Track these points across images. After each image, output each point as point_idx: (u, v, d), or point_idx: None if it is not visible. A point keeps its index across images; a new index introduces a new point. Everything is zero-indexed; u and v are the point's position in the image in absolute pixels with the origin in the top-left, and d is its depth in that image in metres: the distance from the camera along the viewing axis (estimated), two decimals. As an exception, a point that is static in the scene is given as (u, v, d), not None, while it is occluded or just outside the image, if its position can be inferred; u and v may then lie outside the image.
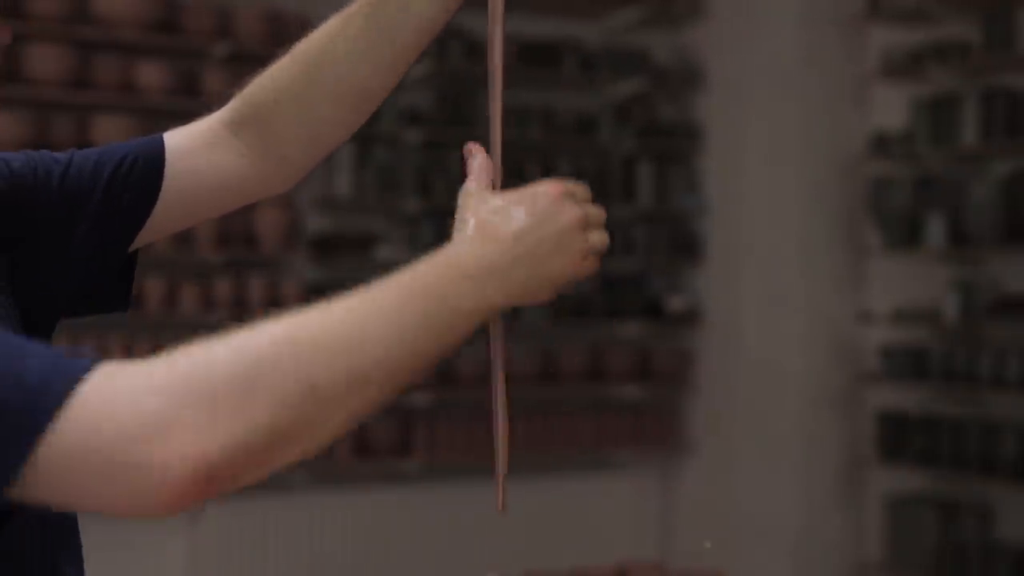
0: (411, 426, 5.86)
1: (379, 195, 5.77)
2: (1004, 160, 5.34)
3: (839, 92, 5.87)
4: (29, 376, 0.82)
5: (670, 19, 6.43)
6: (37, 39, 5.30)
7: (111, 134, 5.25)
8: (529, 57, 6.06)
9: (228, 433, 0.82)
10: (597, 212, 1.09)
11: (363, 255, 5.76)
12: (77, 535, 1.22)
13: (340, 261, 5.78)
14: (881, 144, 5.60)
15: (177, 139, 1.36)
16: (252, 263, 5.79)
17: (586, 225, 1.07)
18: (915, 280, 5.74)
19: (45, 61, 5.16)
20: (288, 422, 0.85)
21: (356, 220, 5.95)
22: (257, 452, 0.84)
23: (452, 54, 5.91)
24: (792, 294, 5.82)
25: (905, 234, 5.44)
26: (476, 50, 5.96)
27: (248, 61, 5.67)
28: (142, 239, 1.36)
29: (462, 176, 5.94)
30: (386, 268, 6.01)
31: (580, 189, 1.11)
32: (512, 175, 6.03)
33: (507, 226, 1.05)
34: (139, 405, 0.81)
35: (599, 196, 6.22)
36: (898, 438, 5.48)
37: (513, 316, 6.03)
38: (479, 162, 1.14)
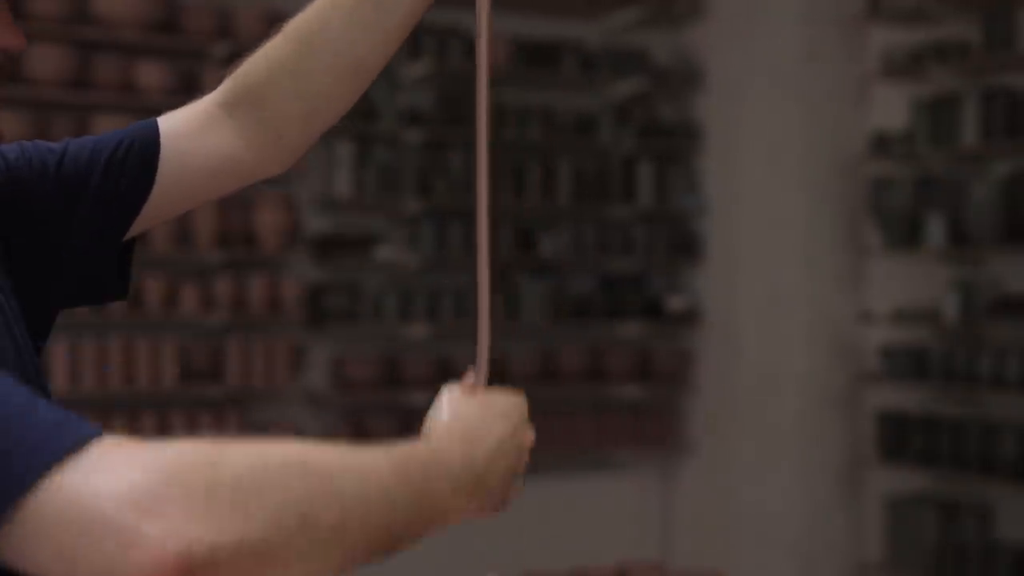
0: (411, 426, 5.86)
1: (379, 195, 5.77)
2: (1004, 160, 5.34)
3: (839, 92, 5.87)
4: (34, 429, 0.81)
5: (670, 19, 6.43)
6: (37, 39, 5.30)
7: (111, 134, 5.25)
8: (529, 57, 6.06)
9: (221, 531, 0.80)
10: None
11: (363, 255, 5.76)
12: None
13: (340, 261, 5.78)
14: (881, 144, 5.60)
15: (172, 122, 1.35)
16: (252, 263, 5.79)
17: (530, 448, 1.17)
18: (915, 280, 5.74)
19: (45, 61, 5.16)
20: (277, 542, 0.84)
21: (356, 220, 5.95)
22: (242, 560, 0.82)
23: (452, 54, 5.91)
24: (792, 294, 5.82)
25: (905, 234, 5.44)
26: (476, 50, 5.96)
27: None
28: (140, 225, 1.35)
29: (464, 176, 5.94)
30: (386, 268, 6.01)
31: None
32: (512, 175, 6.03)
33: (490, 436, 1.11)
34: (142, 476, 0.80)
35: (599, 196, 6.22)
36: (898, 438, 5.48)
37: (513, 316, 6.03)
38: (470, 377, 1.20)
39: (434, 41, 5.87)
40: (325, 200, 5.71)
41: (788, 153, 5.86)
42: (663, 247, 6.35)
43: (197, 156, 1.35)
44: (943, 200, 5.32)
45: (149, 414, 5.34)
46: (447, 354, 6.03)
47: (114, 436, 0.83)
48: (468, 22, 6.24)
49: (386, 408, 5.98)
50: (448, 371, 5.95)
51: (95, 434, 0.82)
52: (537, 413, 6.10)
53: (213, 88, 5.45)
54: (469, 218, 6.01)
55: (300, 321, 5.67)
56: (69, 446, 0.80)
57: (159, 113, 5.52)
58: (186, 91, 5.47)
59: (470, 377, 1.20)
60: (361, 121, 5.77)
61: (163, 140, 1.34)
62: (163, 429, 5.37)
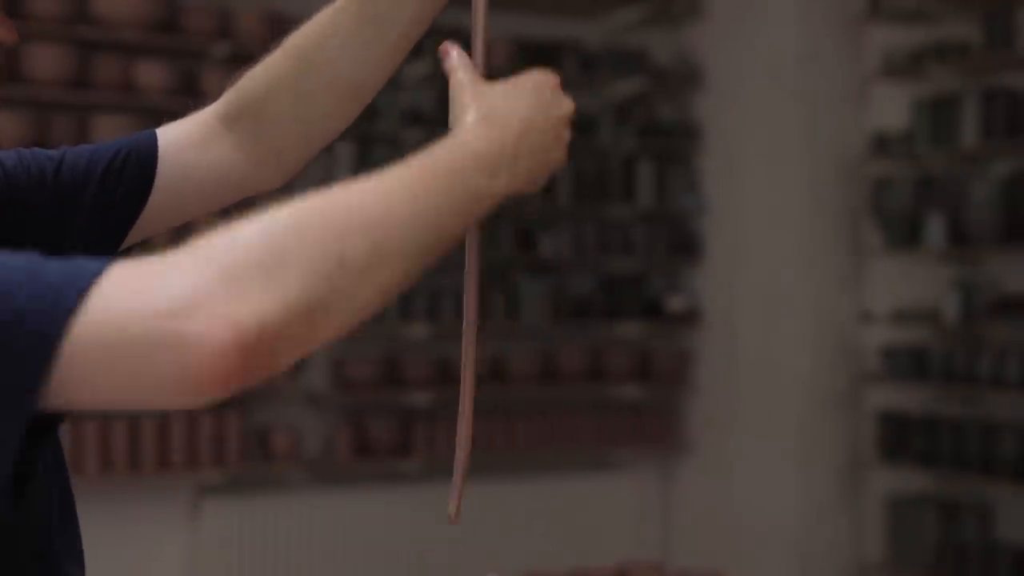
0: (411, 426, 5.86)
1: (379, 195, 5.77)
2: (1004, 160, 5.34)
3: (839, 92, 5.87)
4: (49, 276, 0.81)
5: (670, 19, 6.43)
6: (37, 39, 5.30)
7: (111, 134, 5.25)
8: (529, 57, 6.06)
9: (260, 303, 0.80)
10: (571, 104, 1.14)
11: (363, 255, 5.76)
12: (79, 539, 1.22)
13: (340, 261, 5.77)
14: (881, 144, 5.60)
15: (170, 133, 1.35)
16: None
17: (570, 118, 1.14)
18: (915, 280, 5.74)
19: (45, 61, 5.16)
20: (319, 293, 0.84)
21: (356, 220, 5.95)
22: (291, 323, 0.82)
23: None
24: (792, 294, 5.82)
25: (905, 234, 5.44)
26: (476, 50, 5.96)
27: (248, 61, 5.67)
28: (136, 235, 1.35)
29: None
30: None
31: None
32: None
33: (515, 114, 1.08)
34: (166, 283, 0.80)
35: (599, 196, 6.22)
36: (898, 438, 5.48)
37: (513, 316, 6.03)
38: (458, 56, 1.16)
39: (434, 41, 5.87)
40: (325, 200, 5.71)
41: (788, 153, 5.86)
42: (663, 247, 6.35)
43: (196, 168, 1.35)
44: (943, 200, 5.32)
45: (149, 414, 5.34)
46: (447, 354, 6.03)
47: (122, 264, 0.84)
48: (468, 22, 6.24)
49: (386, 408, 5.98)
50: (448, 371, 5.95)
51: (105, 265, 0.82)
52: (537, 413, 6.10)
53: (213, 88, 5.45)
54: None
55: (300, 321, 5.67)
56: (89, 278, 0.81)
57: (159, 113, 5.52)
58: (186, 91, 5.47)
59: (462, 58, 1.16)
60: (361, 121, 5.77)
61: (161, 151, 1.34)
62: (163, 429, 5.37)
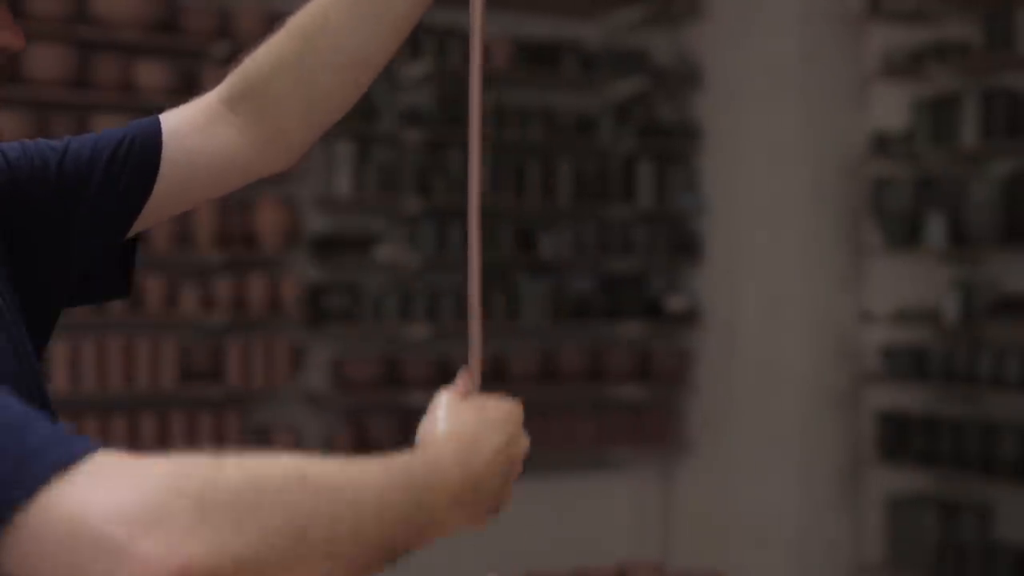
0: (411, 426, 5.85)
1: (379, 195, 5.77)
2: (1004, 160, 5.34)
3: (839, 92, 5.87)
4: (29, 441, 0.79)
5: (670, 19, 6.43)
6: (37, 39, 5.30)
7: (111, 134, 5.25)
8: (529, 57, 6.06)
9: (217, 544, 0.78)
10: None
11: (363, 255, 5.76)
12: None
13: (340, 261, 5.78)
14: (881, 144, 5.60)
15: (174, 119, 1.34)
16: (252, 263, 5.79)
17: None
18: (915, 280, 5.74)
19: (45, 61, 5.16)
20: (273, 557, 0.82)
21: (356, 220, 5.95)
22: (236, 574, 0.80)
23: (452, 54, 5.91)
24: (792, 294, 5.82)
25: (905, 234, 5.44)
26: (476, 50, 5.96)
27: (248, 61, 5.66)
28: (143, 223, 1.34)
29: (464, 176, 5.94)
30: (386, 268, 6.01)
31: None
32: (512, 175, 6.03)
33: (488, 444, 1.09)
34: (136, 492, 0.77)
35: (599, 196, 6.22)
36: (898, 438, 5.48)
37: (513, 316, 6.03)
38: (463, 381, 1.17)
39: (434, 41, 5.87)
40: (325, 200, 5.71)
41: (788, 153, 5.86)
42: (663, 247, 6.35)
43: (200, 153, 1.34)
44: (943, 200, 5.32)
45: (149, 414, 5.34)
46: (447, 354, 6.03)
47: (110, 451, 0.81)
48: (468, 22, 6.24)
49: (386, 408, 5.98)
50: (448, 371, 5.94)
51: (90, 448, 0.80)
52: (537, 413, 6.10)
53: (213, 88, 5.45)
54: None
55: (300, 321, 5.67)
56: (63, 460, 0.78)
57: (159, 112, 5.51)
58: (186, 91, 5.47)
59: (463, 380, 1.18)
60: (361, 121, 5.77)
61: (165, 137, 1.33)
62: (163, 429, 5.37)
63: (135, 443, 5.31)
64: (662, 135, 6.35)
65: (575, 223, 6.29)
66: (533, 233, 6.11)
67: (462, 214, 6.14)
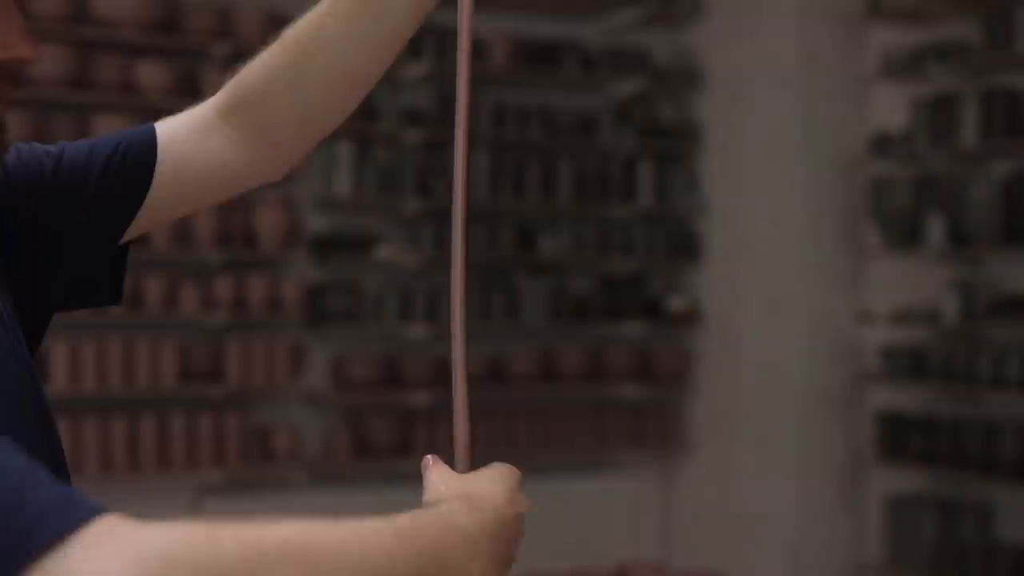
0: (411, 426, 5.85)
1: (379, 195, 5.77)
2: (1004, 160, 5.34)
3: (839, 92, 5.87)
4: (29, 508, 0.78)
5: (670, 19, 6.43)
6: (37, 39, 5.30)
7: (111, 134, 5.25)
8: (529, 57, 6.06)
9: None
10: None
11: (363, 255, 5.76)
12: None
13: (340, 261, 5.78)
14: (881, 144, 5.60)
15: (169, 128, 1.35)
16: (252, 263, 5.79)
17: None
18: (915, 280, 5.74)
19: (45, 61, 5.17)
20: None
21: (356, 220, 5.95)
22: None
23: (452, 54, 5.90)
24: (792, 294, 5.82)
25: (905, 234, 5.44)
26: (476, 50, 5.96)
27: (248, 61, 5.67)
28: (135, 230, 1.34)
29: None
30: (386, 268, 6.01)
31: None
32: (512, 175, 6.03)
33: (495, 498, 1.07)
34: (136, 564, 0.77)
35: (599, 196, 6.22)
36: (898, 438, 5.48)
37: (513, 316, 6.03)
38: (434, 462, 1.15)
39: (434, 41, 5.87)
40: (325, 200, 5.71)
41: (788, 153, 5.86)
42: (663, 247, 6.35)
43: (194, 162, 1.34)
44: (943, 200, 5.32)
45: (149, 414, 5.34)
46: (447, 354, 6.03)
47: (110, 515, 0.80)
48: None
49: (386, 408, 5.98)
50: (448, 371, 5.95)
51: (92, 514, 0.79)
52: (537, 413, 6.10)
53: (213, 88, 5.45)
54: (469, 218, 6.01)
55: (300, 321, 5.67)
56: (62, 529, 0.77)
57: (159, 113, 5.52)
58: (186, 91, 5.47)
59: (434, 462, 1.15)
60: (361, 121, 5.77)
61: (160, 146, 1.33)
62: (163, 429, 5.37)
63: (135, 443, 5.32)
64: (662, 135, 6.35)
65: (575, 223, 6.29)
66: (533, 233, 6.11)
67: (462, 214, 6.14)
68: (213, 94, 5.57)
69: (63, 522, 0.77)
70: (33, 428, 1.13)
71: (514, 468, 1.14)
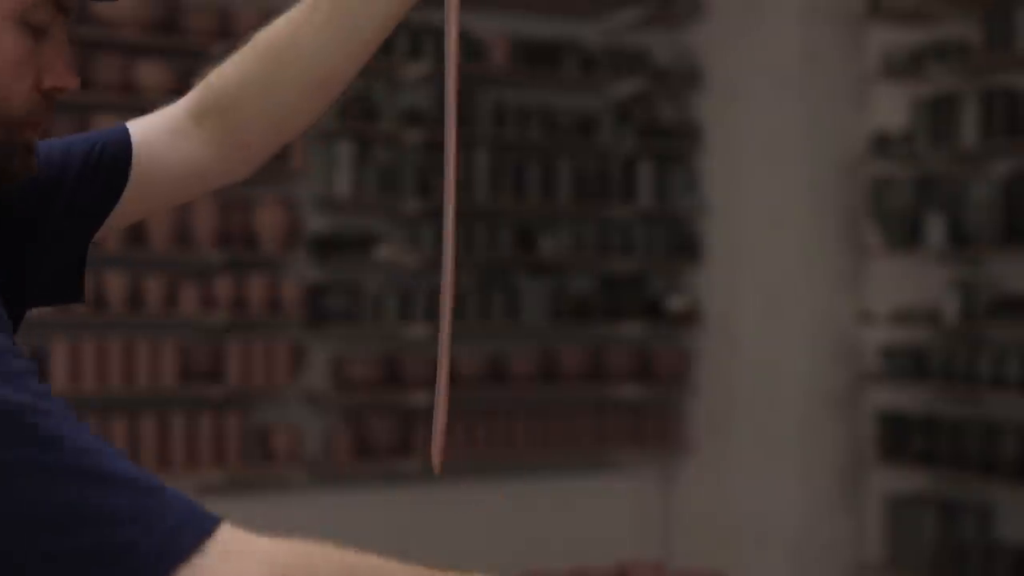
0: (411, 426, 5.86)
1: (379, 195, 5.77)
2: (1004, 160, 5.34)
3: (839, 92, 5.87)
4: (171, 513, 0.86)
5: (670, 19, 6.43)
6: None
7: (111, 134, 5.25)
8: (529, 57, 6.06)
9: None
10: None
11: (363, 255, 5.76)
12: None
13: (340, 261, 5.78)
14: (881, 144, 5.60)
15: (141, 128, 1.36)
16: (252, 263, 5.79)
17: None
18: (915, 280, 5.74)
19: (45, 61, 5.16)
20: None
21: (356, 220, 5.95)
22: None
23: (452, 54, 5.91)
24: (792, 294, 5.82)
25: (905, 234, 5.44)
26: (476, 50, 5.96)
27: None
28: (104, 229, 1.36)
29: (464, 176, 5.94)
30: (386, 268, 6.01)
31: None
32: (512, 175, 6.03)
33: None
34: (262, 568, 0.88)
35: (599, 196, 6.22)
36: (898, 438, 5.48)
37: (513, 316, 6.03)
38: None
39: (434, 41, 5.87)
40: (325, 200, 5.71)
41: (788, 153, 5.86)
42: (663, 247, 6.35)
43: (165, 163, 1.36)
44: (943, 200, 5.32)
45: (149, 414, 5.34)
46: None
47: (228, 525, 0.89)
48: (468, 22, 6.24)
49: (386, 408, 5.98)
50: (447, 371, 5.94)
51: (216, 522, 0.88)
52: (537, 413, 6.10)
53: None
54: (469, 218, 6.02)
55: (300, 321, 5.67)
56: (201, 535, 0.86)
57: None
58: (186, 91, 5.47)
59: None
60: (361, 121, 5.77)
61: (134, 146, 1.35)
62: (163, 429, 5.37)
63: (135, 443, 5.32)
64: (662, 135, 6.35)
65: (575, 223, 6.29)
66: (533, 233, 6.11)
67: (462, 214, 6.14)
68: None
69: (200, 529, 0.86)
70: None
71: None
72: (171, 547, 0.85)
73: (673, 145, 6.36)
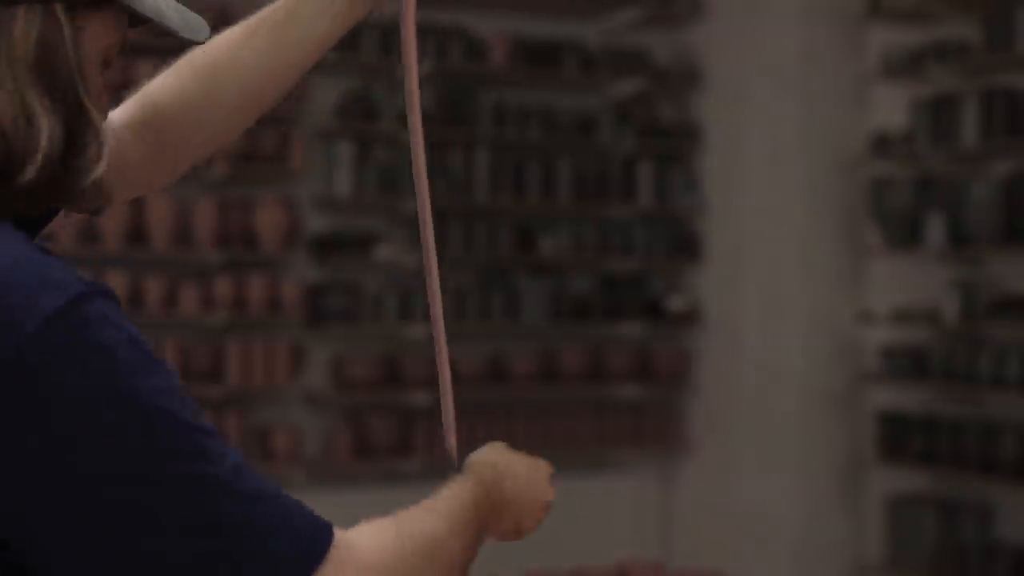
0: (411, 426, 5.86)
1: (379, 195, 5.77)
2: (1004, 160, 5.34)
3: (839, 92, 5.87)
4: (304, 523, 0.96)
5: (670, 19, 6.43)
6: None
7: (111, 134, 5.25)
8: (529, 57, 6.06)
9: None
10: None
11: (363, 255, 5.76)
12: None
13: (340, 261, 5.78)
14: (881, 144, 5.60)
15: None
16: (252, 263, 5.79)
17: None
18: (915, 280, 5.74)
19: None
20: None
21: (356, 220, 5.95)
22: None
23: (452, 54, 5.91)
24: (792, 294, 5.82)
25: (905, 234, 5.44)
26: (476, 50, 5.96)
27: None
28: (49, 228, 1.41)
29: (464, 176, 5.94)
30: (386, 268, 6.01)
31: None
32: (512, 175, 6.03)
33: (531, 488, 1.36)
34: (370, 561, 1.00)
35: (599, 196, 6.22)
36: (898, 438, 5.48)
37: (513, 316, 6.03)
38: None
39: (434, 41, 5.87)
40: (325, 200, 5.71)
41: (788, 153, 5.86)
42: (663, 247, 6.35)
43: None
44: (943, 200, 5.32)
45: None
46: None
47: (339, 532, 1.00)
48: (468, 22, 6.24)
49: (386, 408, 5.98)
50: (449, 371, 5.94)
51: (332, 531, 0.98)
52: (537, 413, 6.10)
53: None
54: (469, 218, 6.01)
55: (300, 321, 5.67)
56: (327, 544, 0.97)
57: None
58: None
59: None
60: (361, 121, 5.77)
61: None
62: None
63: (135, 443, 5.31)
64: (662, 135, 6.35)
65: (575, 223, 6.29)
66: (533, 233, 6.11)
67: (462, 214, 6.14)
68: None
69: (326, 538, 0.97)
70: None
71: (547, 464, 1.42)
72: (308, 556, 0.95)
73: (673, 145, 6.36)
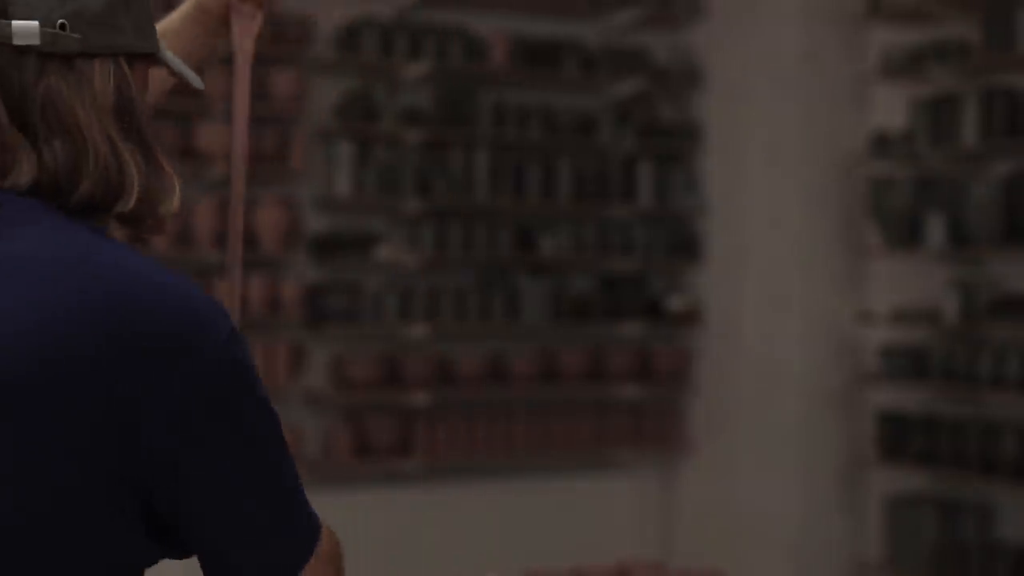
0: (411, 426, 5.86)
1: (379, 195, 5.77)
2: (1004, 160, 5.35)
3: (839, 92, 5.87)
4: (298, 527, 1.14)
5: (670, 19, 6.43)
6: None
7: (111, 134, 5.25)
8: (529, 57, 6.06)
9: None
10: None
11: (363, 255, 5.76)
12: None
13: (340, 261, 5.78)
14: (881, 144, 5.60)
15: None
16: (252, 263, 5.79)
17: None
18: (915, 280, 5.74)
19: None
20: None
21: (356, 220, 5.95)
22: None
23: (452, 54, 5.91)
24: (792, 294, 5.82)
25: (905, 234, 5.44)
26: (476, 50, 5.96)
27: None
28: None
29: (464, 176, 5.94)
30: (386, 268, 6.01)
31: None
32: (512, 175, 6.02)
33: None
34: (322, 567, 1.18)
35: (599, 196, 6.22)
36: (898, 438, 5.48)
37: (513, 316, 6.03)
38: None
39: (434, 41, 5.87)
40: (325, 200, 5.71)
41: (788, 153, 5.86)
42: (663, 247, 6.35)
43: None
44: (943, 200, 5.32)
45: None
46: (447, 354, 6.04)
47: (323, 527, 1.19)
48: (468, 22, 6.24)
49: (386, 408, 5.98)
50: (448, 371, 5.94)
51: (319, 527, 1.17)
52: (537, 413, 6.10)
53: (213, 88, 5.45)
54: (469, 218, 6.01)
55: (300, 321, 5.67)
56: (318, 535, 1.16)
57: (158, 113, 5.52)
58: (186, 91, 5.47)
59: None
60: (361, 121, 5.77)
61: None
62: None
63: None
64: (662, 135, 6.35)
65: (575, 223, 6.29)
66: (533, 233, 6.11)
67: (462, 214, 6.14)
68: (212, 94, 5.55)
69: (317, 530, 1.16)
70: None
71: None
72: (307, 544, 1.14)
73: (673, 145, 6.36)
